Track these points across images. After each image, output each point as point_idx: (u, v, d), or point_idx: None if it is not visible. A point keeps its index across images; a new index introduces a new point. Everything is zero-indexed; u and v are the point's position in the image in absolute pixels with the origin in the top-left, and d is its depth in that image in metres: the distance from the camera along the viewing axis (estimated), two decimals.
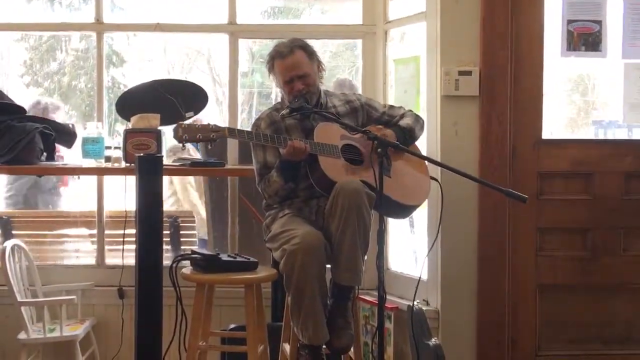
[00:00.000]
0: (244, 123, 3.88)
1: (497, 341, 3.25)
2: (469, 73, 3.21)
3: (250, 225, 3.70)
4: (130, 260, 3.18)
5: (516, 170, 3.25)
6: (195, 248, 3.62)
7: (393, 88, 3.62)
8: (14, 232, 3.99)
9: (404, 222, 3.60)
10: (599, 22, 3.29)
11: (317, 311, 2.62)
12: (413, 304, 3.05)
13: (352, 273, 2.66)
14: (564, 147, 3.31)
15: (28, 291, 3.44)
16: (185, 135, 2.67)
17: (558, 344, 3.31)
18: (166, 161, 3.39)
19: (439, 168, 2.94)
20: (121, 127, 3.87)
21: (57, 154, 3.50)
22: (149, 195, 2.95)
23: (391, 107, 3.16)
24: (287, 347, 2.88)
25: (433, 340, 3.04)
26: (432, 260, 3.22)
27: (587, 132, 3.60)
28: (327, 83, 3.67)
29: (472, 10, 3.20)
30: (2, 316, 3.51)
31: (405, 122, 3.01)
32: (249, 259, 2.94)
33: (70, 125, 3.54)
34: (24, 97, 4.03)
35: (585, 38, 3.28)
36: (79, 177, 4.11)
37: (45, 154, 3.36)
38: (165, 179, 4.08)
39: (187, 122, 3.10)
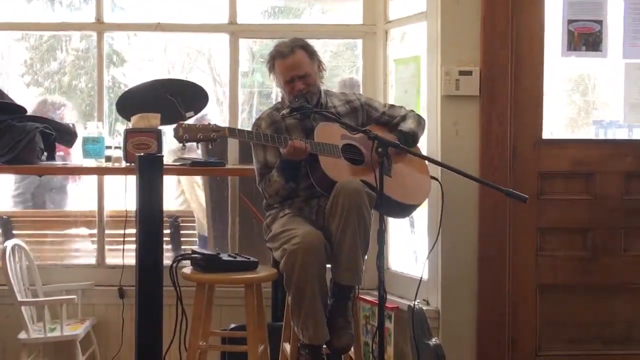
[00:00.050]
0: (245, 123, 3.88)
1: (497, 341, 3.25)
2: (469, 73, 3.21)
3: (251, 225, 3.70)
4: (131, 260, 3.18)
5: (516, 170, 3.25)
6: (195, 248, 3.62)
7: (393, 88, 3.62)
8: (14, 231, 3.99)
9: (404, 221, 3.60)
10: (600, 22, 3.29)
11: (318, 311, 2.62)
12: (414, 304, 3.05)
13: (352, 273, 2.66)
14: (564, 147, 3.31)
15: (28, 291, 3.45)
16: (185, 135, 2.67)
17: (558, 344, 3.31)
18: (168, 161, 3.39)
19: (440, 168, 2.95)
20: (121, 126, 3.87)
21: (57, 153, 3.50)
22: (150, 195, 2.95)
23: (391, 106, 3.15)
24: (287, 347, 2.88)
25: (433, 340, 3.05)
26: (432, 260, 3.22)
27: (587, 132, 3.60)
28: (329, 83, 3.67)
29: (472, 10, 3.20)
30: (3, 316, 3.51)
31: (408, 126, 3.00)
32: (249, 258, 2.94)
33: (71, 125, 3.54)
34: (25, 97, 4.03)
35: (585, 38, 3.28)
36: (79, 177, 4.11)
37: (45, 153, 3.36)
38: (173, 178, 4.10)
39: (188, 121, 3.10)
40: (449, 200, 3.00)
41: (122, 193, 3.48)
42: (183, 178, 4.16)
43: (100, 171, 3.44)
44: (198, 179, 4.14)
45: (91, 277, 3.66)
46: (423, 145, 3.21)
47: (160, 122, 3.34)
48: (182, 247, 4.07)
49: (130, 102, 3.48)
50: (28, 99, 4.09)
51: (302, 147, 2.74)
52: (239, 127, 3.57)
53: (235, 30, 3.70)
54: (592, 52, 3.29)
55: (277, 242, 2.75)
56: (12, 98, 3.49)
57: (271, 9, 4.33)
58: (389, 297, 3.00)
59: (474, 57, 3.22)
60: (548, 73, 3.29)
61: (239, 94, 3.74)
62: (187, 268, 2.96)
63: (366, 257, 2.76)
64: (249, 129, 2.98)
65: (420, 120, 3.08)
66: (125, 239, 3.48)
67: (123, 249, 3.55)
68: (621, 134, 3.48)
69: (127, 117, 3.46)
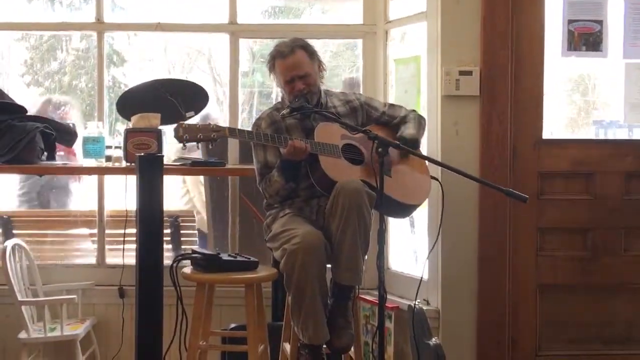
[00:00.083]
0: (245, 123, 3.87)
1: (497, 341, 3.25)
2: (469, 73, 3.21)
3: (251, 225, 3.70)
4: (131, 259, 3.18)
5: (517, 170, 3.25)
6: (195, 247, 3.62)
7: (394, 88, 3.62)
8: (14, 231, 3.99)
9: (405, 221, 3.59)
10: (600, 22, 3.29)
11: (318, 311, 2.62)
12: (414, 304, 3.05)
13: (352, 273, 2.66)
14: (564, 147, 3.31)
15: (29, 290, 3.45)
16: (186, 135, 2.67)
17: (558, 344, 3.31)
18: (170, 160, 3.40)
19: (440, 168, 2.94)
20: (122, 126, 3.87)
21: (58, 153, 3.50)
22: (150, 195, 2.96)
23: (391, 106, 3.15)
24: (287, 347, 2.88)
25: (433, 340, 3.05)
26: (432, 260, 3.22)
27: (587, 132, 3.60)
28: (329, 83, 3.67)
29: (472, 10, 3.20)
30: (3, 315, 3.52)
31: (409, 132, 2.98)
32: (249, 258, 2.94)
33: (71, 125, 3.55)
34: (25, 97, 4.03)
35: (586, 38, 3.28)
36: (79, 177, 4.11)
37: (45, 153, 3.36)
38: (179, 177, 4.10)
39: (188, 121, 3.10)
40: (449, 200, 3.00)
41: (123, 193, 3.48)
42: (188, 177, 4.17)
43: (100, 171, 3.44)
44: (201, 178, 4.14)
45: (91, 276, 3.66)
46: (423, 145, 3.21)
47: (161, 122, 3.34)
48: (183, 246, 4.07)
49: (130, 102, 3.48)
50: (30, 99, 4.10)
51: (303, 147, 2.74)
52: (239, 127, 3.58)
53: (236, 30, 3.70)
54: (592, 52, 3.29)
55: (277, 242, 2.75)
56: (13, 98, 3.49)
57: (271, 8, 4.32)
58: (389, 297, 3.00)
59: (474, 57, 3.22)
60: (548, 73, 3.29)
61: (239, 94, 3.75)
62: (187, 268, 2.96)
63: (366, 257, 2.76)
64: (249, 129, 2.98)
65: (420, 121, 3.08)
66: (126, 239, 3.49)
67: (123, 249, 3.55)
68: (621, 134, 3.48)
69: (128, 117, 3.46)
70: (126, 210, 3.45)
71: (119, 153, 3.33)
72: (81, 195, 4.17)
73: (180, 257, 2.96)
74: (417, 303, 3.07)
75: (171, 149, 3.62)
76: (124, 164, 3.30)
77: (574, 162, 3.29)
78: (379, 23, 3.64)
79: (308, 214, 2.87)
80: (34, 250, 3.64)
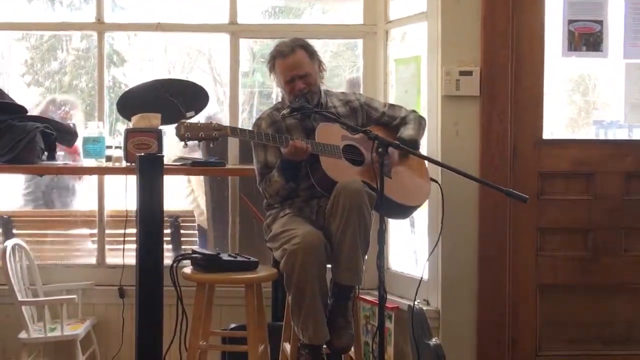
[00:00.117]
0: (245, 123, 3.87)
1: (497, 341, 3.25)
2: (469, 73, 3.21)
3: (251, 225, 3.70)
4: (131, 259, 3.19)
5: (517, 170, 3.25)
6: (195, 247, 3.62)
7: (394, 88, 3.62)
8: (14, 231, 3.99)
9: (405, 222, 3.59)
10: (600, 22, 3.29)
11: (318, 311, 2.62)
12: (414, 304, 3.05)
13: (352, 273, 2.66)
14: (564, 147, 3.31)
15: (29, 290, 3.45)
16: (187, 134, 2.66)
17: (558, 344, 3.31)
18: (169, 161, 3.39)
19: (440, 168, 2.94)
20: (122, 126, 3.87)
21: (58, 153, 3.50)
22: (150, 195, 2.96)
23: (391, 106, 3.15)
24: (287, 347, 2.88)
25: (433, 340, 3.04)
26: (432, 260, 3.22)
27: (587, 132, 3.60)
28: (330, 83, 3.67)
29: (473, 10, 3.20)
30: (3, 315, 3.52)
31: (408, 133, 2.97)
32: (249, 258, 2.94)
33: (71, 125, 3.55)
34: (25, 97, 4.03)
35: (586, 38, 3.28)
36: (80, 177, 4.11)
37: (46, 153, 3.36)
38: (184, 177, 4.09)
39: (189, 120, 3.10)
40: (449, 200, 2.99)
41: (123, 193, 3.48)
42: (193, 177, 4.16)
43: (100, 171, 3.44)
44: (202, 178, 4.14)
45: (91, 276, 3.67)
46: (423, 146, 3.21)
47: (161, 122, 3.34)
48: (183, 246, 4.07)
49: (130, 102, 3.48)
50: (30, 99, 4.10)
51: (303, 147, 2.74)
52: (240, 127, 3.57)
53: (236, 30, 3.70)
54: (593, 52, 3.29)
55: (277, 242, 2.75)
56: (13, 98, 3.49)
57: (271, 8, 4.32)
58: (389, 297, 2.99)
59: (474, 57, 3.22)
60: (548, 73, 3.29)
61: (240, 94, 3.75)
62: (187, 268, 2.96)
63: (366, 257, 2.76)
64: (249, 128, 2.97)
65: (420, 122, 3.07)
66: (126, 239, 3.49)
67: (123, 249, 3.55)
68: (621, 134, 3.48)
69: (128, 117, 3.46)
70: (126, 210, 3.45)
71: (119, 153, 3.33)
72: (81, 195, 4.17)
73: (180, 257, 2.96)
74: (417, 303, 3.07)
75: (172, 149, 3.62)
76: (124, 164, 3.30)
77: (574, 162, 3.29)
78: (379, 23, 3.64)
79: (308, 214, 2.87)
80: (34, 250, 3.64)
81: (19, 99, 3.52)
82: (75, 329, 3.37)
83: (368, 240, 2.72)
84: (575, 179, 3.31)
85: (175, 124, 2.70)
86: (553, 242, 3.30)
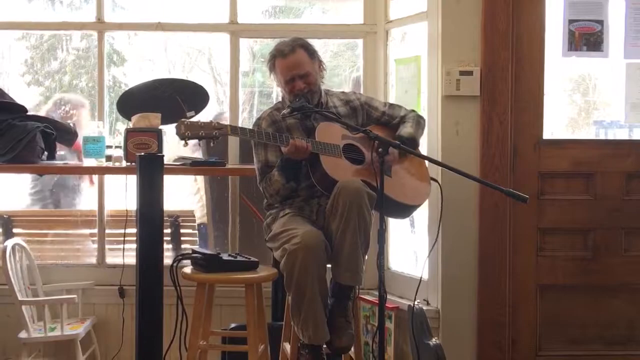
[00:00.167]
0: (245, 122, 3.87)
1: (497, 341, 3.25)
2: (470, 73, 3.21)
3: (251, 225, 3.70)
4: (131, 259, 3.19)
5: (517, 170, 3.25)
6: (196, 247, 3.62)
7: (394, 88, 3.62)
8: (14, 231, 3.99)
9: (405, 221, 3.59)
10: (601, 22, 3.28)
11: (318, 311, 2.62)
12: (414, 304, 3.05)
13: (352, 273, 2.66)
14: (565, 147, 3.31)
15: (29, 290, 3.45)
16: (187, 132, 2.65)
17: (558, 344, 3.31)
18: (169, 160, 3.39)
19: (440, 168, 2.94)
20: (122, 126, 3.86)
21: (58, 152, 3.50)
22: (150, 195, 2.95)
23: (391, 106, 3.15)
24: (287, 347, 2.88)
25: (433, 340, 3.04)
26: (432, 260, 3.22)
27: (588, 132, 3.60)
28: (330, 82, 3.67)
29: (473, 10, 3.20)
30: (3, 315, 3.52)
31: (407, 131, 2.97)
32: (249, 258, 2.94)
33: (71, 124, 3.54)
34: (25, 96, 4.03)
35: (586, 38, 3.28)
36: (80, 177, 4.11)
37: (46, 152, 3.36)
38: (190, 176, 4.09)
39: (190, 119, 3.09)
40: (449, 200, 3.00)
41: (123, 192, 3.48)
42: (199, 176, 4.15)
43: (100, 171, 3.44)
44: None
45: (91, 276, 3.67)
46: (423, 145, 3.21)
47: (161, 122, 3.34)
48: (183, 246, 4.07)
49: (130, 102, 3.48)
50: (30, 98, 4.10)
51: (304, 147, 2.74)
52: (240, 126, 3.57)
53: (236, 30, 3.70)
54: (593, 52, 3.29)
55: (277, 242, 2.75)
56: (13, 97, 3.49)
57: (272, 8, 4.32)
58: (389, 297, 3.00)
59: (474, 57, 3.22)
60: (549, 73, 3.29)
61: (240, 93, 3.75)
62: (187, 268, 2.96)
63: (366, 257, 2.76)
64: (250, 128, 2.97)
65: (419, 121, 3.07)
66: (126, 239, 3.49)
67: (123, 249, 3.55)
68: (622, 134, 3.48)
69: (128, 117, 3.45)
70: (126, 210, 3.45)
71: (119, 153, 3.33)
72: (82, 195, 4.17)
73: (180, 257, 2.96)
74: (417, 303, 3.07)
75: (172, 148, 3.62)
76: (124, 163, 3.30)
77: (575, 162, 3.29)
78: (380, 23, 3.64)
79: (308, 213, 2.87)
80: (34, 250, 3.64)
81: (19, 99, 3.52)
82: (76, 329, 3.37)
83: (368, 240, 2.72)
84: (575, 179, 3.31)
85: (175, 124, 2.69)
86: (553, 242, 3.30)
